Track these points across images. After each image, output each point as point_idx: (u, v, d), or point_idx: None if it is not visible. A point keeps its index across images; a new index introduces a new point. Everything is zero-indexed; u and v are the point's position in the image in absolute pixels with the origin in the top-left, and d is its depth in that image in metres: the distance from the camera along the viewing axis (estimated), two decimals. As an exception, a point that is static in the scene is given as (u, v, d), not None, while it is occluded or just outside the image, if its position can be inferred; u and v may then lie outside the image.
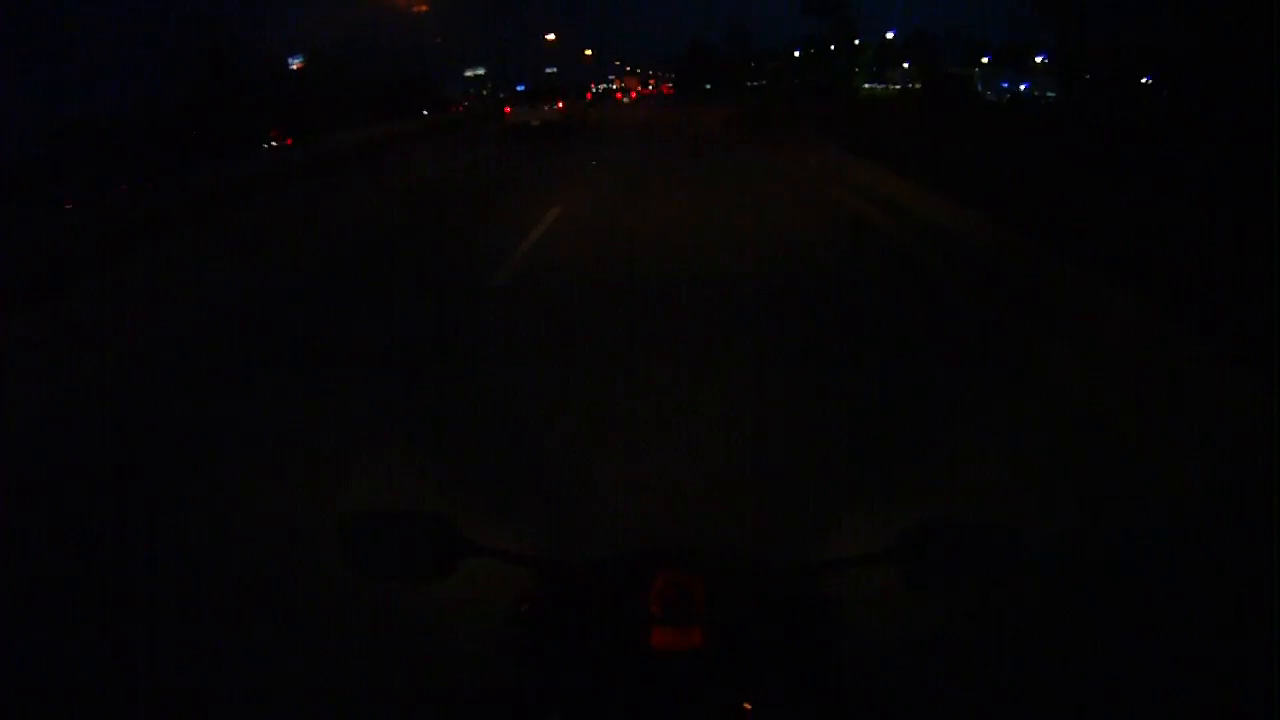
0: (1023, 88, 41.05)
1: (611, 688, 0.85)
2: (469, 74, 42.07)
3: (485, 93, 38.43)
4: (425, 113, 25.24)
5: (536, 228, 7.22)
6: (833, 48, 42.50)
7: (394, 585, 0.99)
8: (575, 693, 0.86)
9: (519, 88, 38.04)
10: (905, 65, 47.12)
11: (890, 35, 50.99)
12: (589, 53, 56.70)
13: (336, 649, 2.02)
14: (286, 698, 1.91)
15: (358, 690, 1.90)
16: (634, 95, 49.64)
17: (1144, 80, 15.59)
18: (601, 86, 52.01)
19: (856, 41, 44.13)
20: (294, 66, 22.52)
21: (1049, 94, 33.80)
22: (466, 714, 1.44)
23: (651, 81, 60.50)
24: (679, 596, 0.84)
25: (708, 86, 51.64)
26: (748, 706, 0.83)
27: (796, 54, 46.62)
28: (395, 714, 1.84)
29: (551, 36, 47.18)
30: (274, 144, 19.54)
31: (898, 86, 45.62)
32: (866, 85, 45.61)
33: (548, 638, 0.91)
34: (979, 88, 39.11)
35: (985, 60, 48.26)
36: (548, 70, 49.50)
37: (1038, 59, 39.57)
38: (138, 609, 2.29)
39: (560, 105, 20.94)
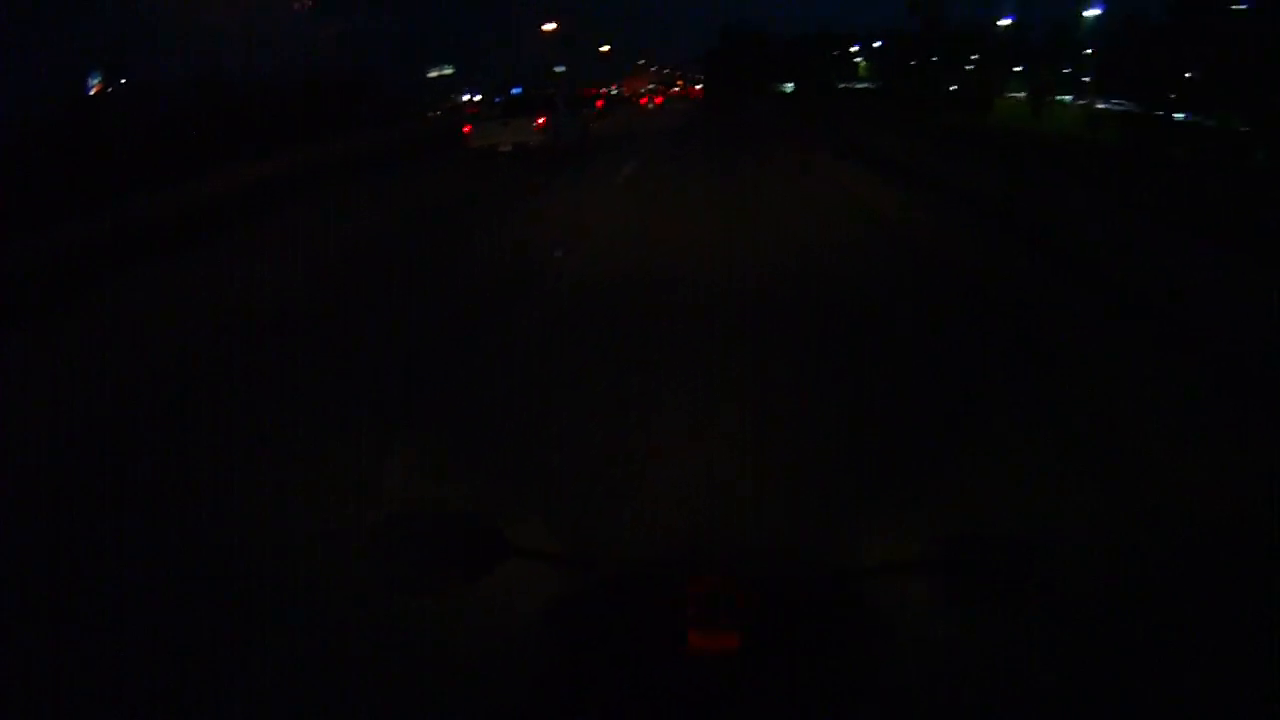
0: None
1: (647, 690, 0.82)
2: (433, 74, 33.67)
3: (478, 99, 30.28)
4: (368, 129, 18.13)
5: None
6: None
7: (430, 589, 0.97)
8: (610, 695, 0.84)
9: (514, 91, 30.94)
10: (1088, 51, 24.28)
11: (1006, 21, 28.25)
12: (606, 49, 49.13)
13: (367, 644, 1.99)
14: (315, 693, 1.90)
15: (389, 689, 1.88)
16: (659, 100, 42.39)
17: None
18: (615, 90, 43.92)
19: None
20: (91, 90, 15.04)
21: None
22: (500, 715, 1.35)
23: (679, 83, 52.76)
24: (716, 600, 0.84)
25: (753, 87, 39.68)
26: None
27: (877, 44, 33.04)
28: (428, 714, 1.80)
29: (551, 26, 38.95)
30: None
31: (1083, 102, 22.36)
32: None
33: (583, 639, 0.91)
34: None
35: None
36: (556, 69, 42.11)
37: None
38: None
39: (541, 122, 14.06)
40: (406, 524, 0.96)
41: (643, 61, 62.60)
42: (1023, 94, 20.06)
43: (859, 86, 32.14)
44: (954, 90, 25.32)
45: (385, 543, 0.94)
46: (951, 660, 1.64)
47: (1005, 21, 29.02)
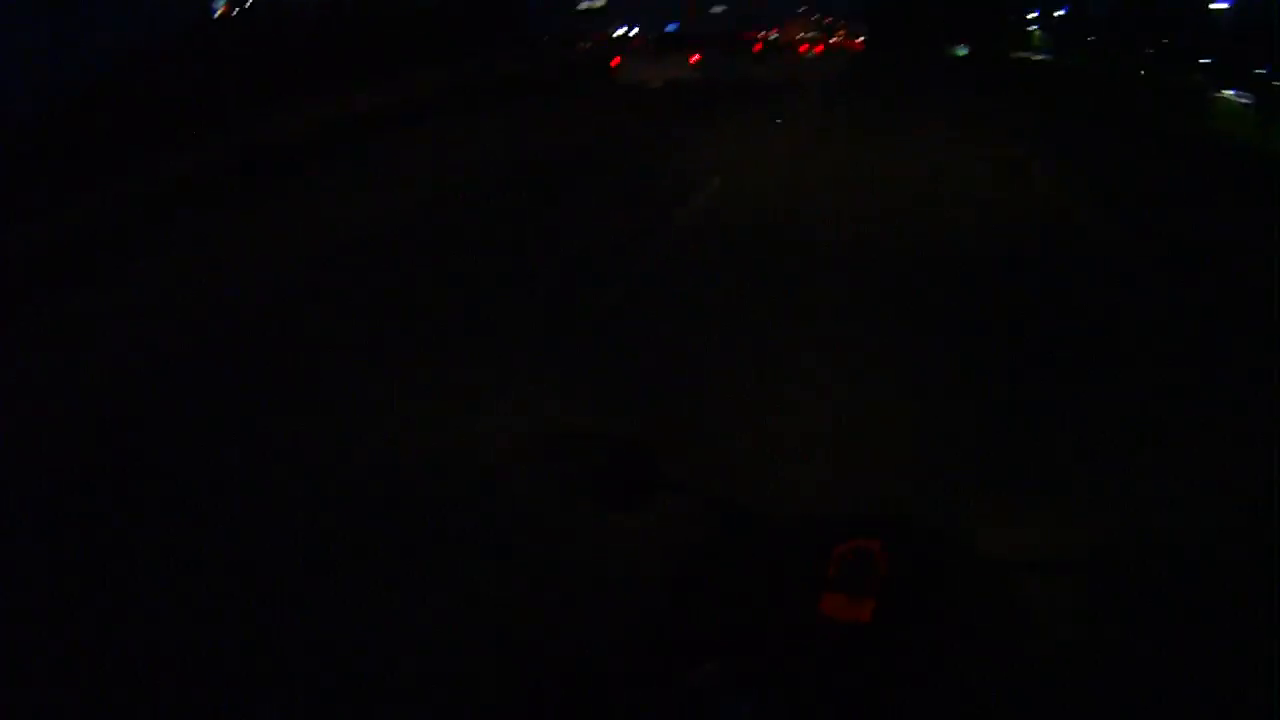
0: None
1: (772, 647, 0.80)
2: (583, 6, 32.04)
3: (634, 33, 28.75)
4: (500, 60, 17.11)
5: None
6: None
7: (587, 507, 1.03)
8: (735, 646, 0.82)
9: (669, 28, 29.55)
10: None
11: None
12: (768, -8, 46.28)
13: (499, 567, 2.04)
14: (445, 611, 1.93)
15: (516, 612, 1.90)
16: (819, 49, 39.65)
17: None
18: (774, 35, 41.14)
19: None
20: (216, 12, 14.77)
21: None
22: (625, 647, 1.45)
23: (840, 33, 49.40)
24: (859, 565, 0.81)
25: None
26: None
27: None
28: (559, 641, 1.82)
29: None
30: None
31: None
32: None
33: (719, 587, 0.90)
34: None
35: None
36: (713, 10, 40.03)
37: None
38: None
39: (694, 60, 13.06)
40: (569, 445, 1.07)
41: (804, 9, 59.26)
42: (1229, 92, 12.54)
43: (1036, 58, 27.35)
44: (1145, 76, 18.94)
45: (541, 460, 1.08)
46: (1089, 669, 1.55)
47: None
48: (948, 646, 0.82)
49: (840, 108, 13.56)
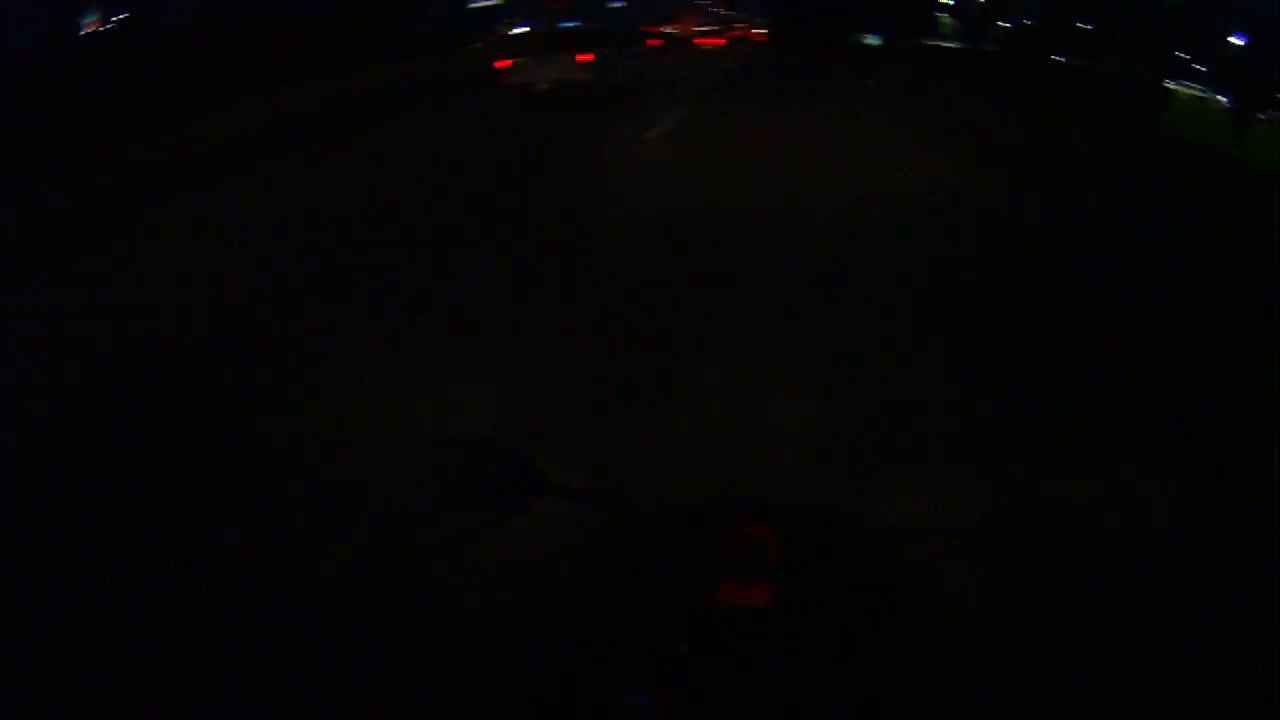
0: None
1: (673, 639, 0.80)
2: (478, 3, 30.35)
3: (524, 32, 27.27)
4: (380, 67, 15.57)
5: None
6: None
7: (471, 513, 1.00)
8: (637, 642, 0.83)
9: (564, 24, 28.67)
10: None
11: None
12: (667, -15, 45.86)
13: (393, 578, 2.07)
14: (340, 626, 1.94)
15: (415, 625, 1.90)
16: (720, 42, 39.49)
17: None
18: (673, 30, 40.66)
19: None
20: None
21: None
22: (527, 655, 1.45)
23: (743, 24, 49.53)
24: (751, 551, 0.83)
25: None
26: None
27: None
28: (454, 653, 1.80)
29: None
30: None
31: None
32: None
33: (614, 583, 0.90)
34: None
35: None
36: (613, 4, 39.36)
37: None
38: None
39: (585, 59, 12.40)
40: (450, 453, 1.00)
41: (701, 2, 59.44)
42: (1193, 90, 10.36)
43: (946, 45, 27.33)
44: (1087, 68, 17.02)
45: (432, 469, 0.98)
46: (983, 627, 1.66)
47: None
48: (846, 620, 0.83)
49: (733, 105, 13.22)
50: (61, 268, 5.50)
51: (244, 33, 13.81)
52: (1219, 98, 10.40)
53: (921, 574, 0.91)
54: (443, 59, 19.65)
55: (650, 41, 22.78)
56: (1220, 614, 1.84)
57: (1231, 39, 12.70)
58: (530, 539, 1.72)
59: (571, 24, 26.57)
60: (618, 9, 39.25)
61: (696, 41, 39.44)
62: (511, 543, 1.94)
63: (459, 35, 24.34)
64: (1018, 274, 4.76)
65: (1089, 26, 17.60)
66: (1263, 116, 8.82)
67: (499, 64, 13.24)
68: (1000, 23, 23.42)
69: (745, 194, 6.53)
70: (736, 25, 51.59)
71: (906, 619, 0.86)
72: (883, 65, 20.72)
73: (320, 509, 2.39)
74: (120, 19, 13.24)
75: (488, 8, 29.56)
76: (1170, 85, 12.27)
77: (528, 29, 30.89)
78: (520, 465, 0.94)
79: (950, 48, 24.98)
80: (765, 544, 0.82)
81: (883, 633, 0.84)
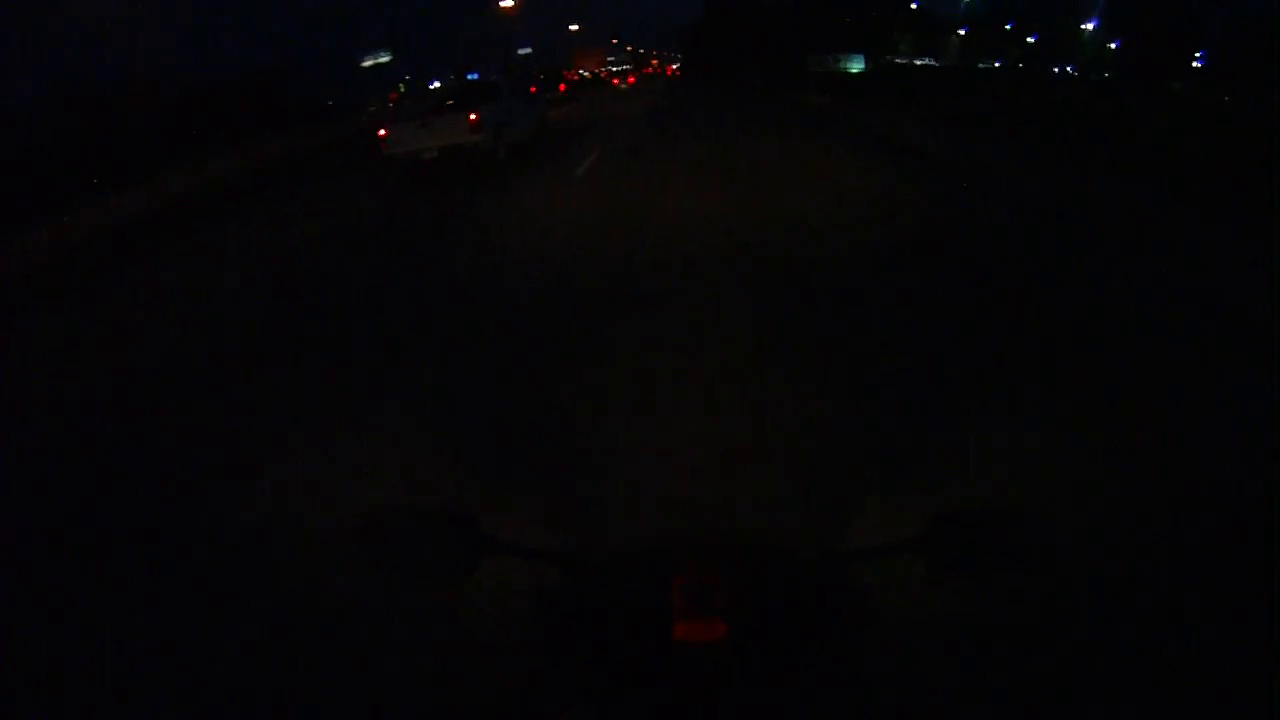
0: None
1: (634, 682, 0.81)
2: (368, 63, 28.69)
3: (403, 89, 25.63)
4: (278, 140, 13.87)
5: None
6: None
7: (415, 585, 0.96)
8: (598, 688, 0.83)
9: (470, 76, 27.32)
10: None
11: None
12: (575, 28, 45.06)
13: (355, 642, 2.00)
14: (303, 692, 1.89)
15: (377, 686, 1.87)
16: (631, 80, 38.79)
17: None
18: (583, 71, 39.68)
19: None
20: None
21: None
22: (489, 709, 1.46)
23: (654, 62, 49.33)
24: (702, 589, 0.83)
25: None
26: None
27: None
28: (415, 711, 1.79)
29: (509, 3, 33.96)
30: None
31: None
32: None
33: (570, 633, 0.89)
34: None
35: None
36: (520, 52, 38.16)
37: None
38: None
39: (474, 119, 10.86)
40: (387, 524, 0.95)
41: (615, 40, 59.43)
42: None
43: (855, 71, 27.50)
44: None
45: (369, 543, 0.93)
46: (939, 642, 1.62)
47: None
48: (800, 647, 0.83)
49: (647, 155, 11.84)
50: None
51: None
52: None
53: (867, 595, 0.86)
54: (330, 127, 17.91)
55: (559, 86, 21.47)
56: (1172, 620, 1.81)
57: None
58: (480, 600, 1.61)
59: (472, 76, 25.19)
60: (525, 54, 38.11)
61: (613, 82, 38.71)
62: (462, 604, 1.85)
63: (351, 104, 22.75)
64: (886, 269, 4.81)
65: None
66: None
67: (381, 132, 11.61)
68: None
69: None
70: (652, 62, 51.31)
71: (857, 640, 0.85)
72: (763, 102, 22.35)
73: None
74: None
75: (378, 65, 27.80)
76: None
77: (436, 83, 29.38)
78: (462, 529, 0.92)
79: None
80: (715, 581, 0.82)
81: (836, 655, 0.84)
